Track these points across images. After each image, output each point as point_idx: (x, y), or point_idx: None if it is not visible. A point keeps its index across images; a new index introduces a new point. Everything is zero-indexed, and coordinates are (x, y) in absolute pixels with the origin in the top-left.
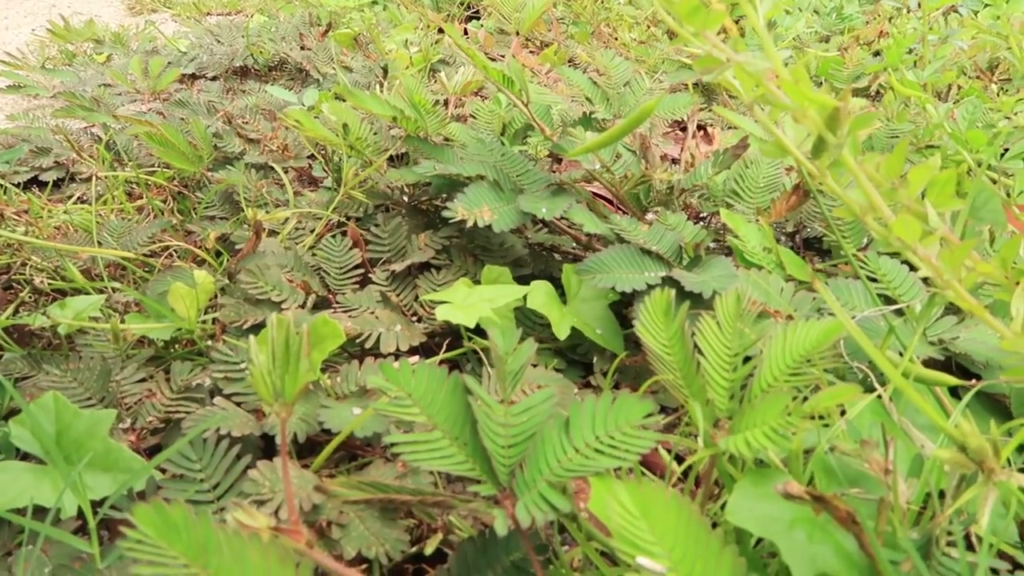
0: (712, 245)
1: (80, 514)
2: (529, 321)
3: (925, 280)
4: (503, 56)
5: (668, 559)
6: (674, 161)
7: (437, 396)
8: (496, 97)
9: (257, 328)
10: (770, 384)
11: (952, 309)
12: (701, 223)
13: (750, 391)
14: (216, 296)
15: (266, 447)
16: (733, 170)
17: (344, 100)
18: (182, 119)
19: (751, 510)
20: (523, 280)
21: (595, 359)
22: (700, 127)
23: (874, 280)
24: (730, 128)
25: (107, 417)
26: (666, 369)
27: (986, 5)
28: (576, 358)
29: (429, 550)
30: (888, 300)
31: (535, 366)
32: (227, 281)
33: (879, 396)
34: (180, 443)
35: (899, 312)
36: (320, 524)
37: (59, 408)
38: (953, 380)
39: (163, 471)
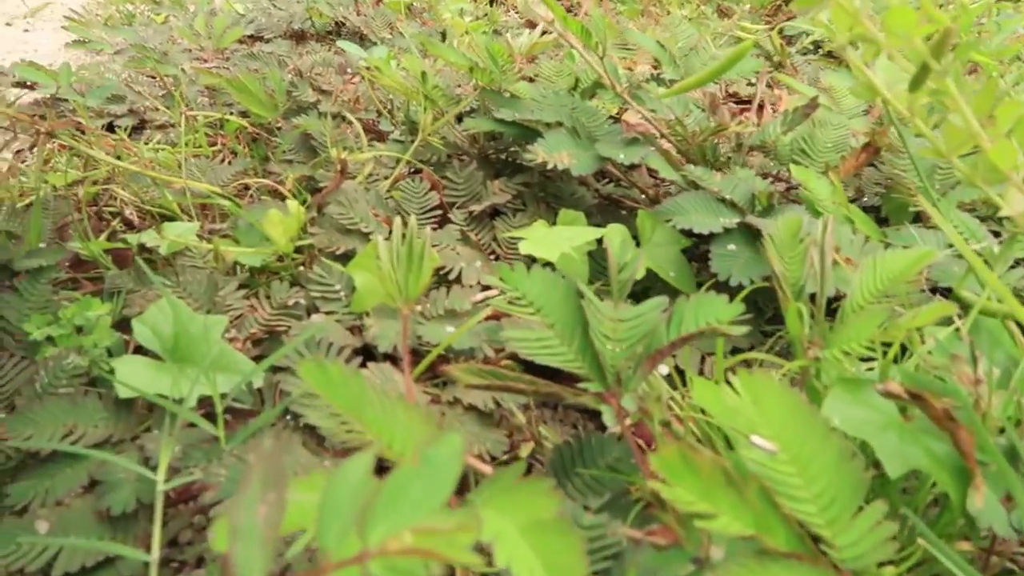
0: (780, 201)
1: (199, 405)
2: (600, 265)
3: (996, 234)
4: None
5: (778, 440)
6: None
7: (551, 298)
8: (569, 52)
9: (347, 255)
10: (860, 305)
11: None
12: (767, 181)
13: (842, 311)
14: (305, 227)
15: (364, 360)
16: (800, 130)
17: (415, 56)
18: (255, 70)
19: (844, 413)
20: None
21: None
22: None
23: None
24: (792, 94)
25: (220, 322)
26: (782, 286)
27: None
28: None
29: (524, 453)
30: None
31: None
32: (316, 214)
33: (957, 329)
34: (292, 344)
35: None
36: None
37: (176, 311)
38: None
39: (274, 372)
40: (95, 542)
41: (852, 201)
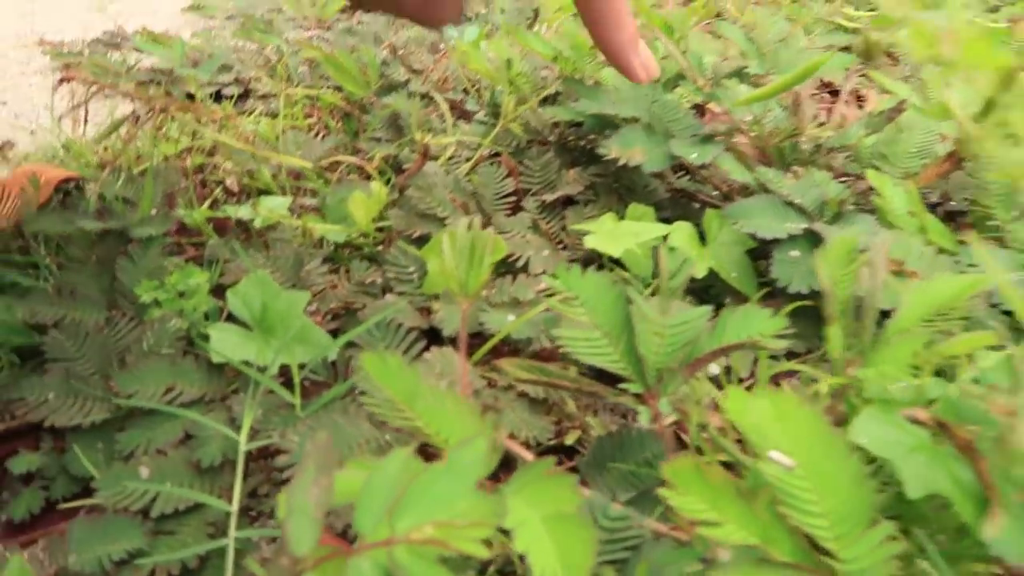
0: (851, 208)
1: (280, 374)
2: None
3: None
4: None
5: (797, 457)
6: (820, 125)
7: (601, 301)
8: (654, 44)
9: (423, 239)
10: (905, 328)
11: None
12: (844, 184)
13: (885, 333)
14: (386, 208)
15: (430, 341)
16: (884, 134)
17: (502, 39)
18: (352, 47)
19: (874, 432)
20: (661, 223)
21: (727, 300)
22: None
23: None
24: (884, 93)
25: (303, 298)
26: (828, 304)
27: None
28: (707, 299)
29: (570, 440)
30: None
31: None
32: (397, 195)
33: (1010, 355)
34: (367, 324)
35: None
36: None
37: (265, 285)
38: None
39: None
40: (187, 490)
41: (937, 205)
